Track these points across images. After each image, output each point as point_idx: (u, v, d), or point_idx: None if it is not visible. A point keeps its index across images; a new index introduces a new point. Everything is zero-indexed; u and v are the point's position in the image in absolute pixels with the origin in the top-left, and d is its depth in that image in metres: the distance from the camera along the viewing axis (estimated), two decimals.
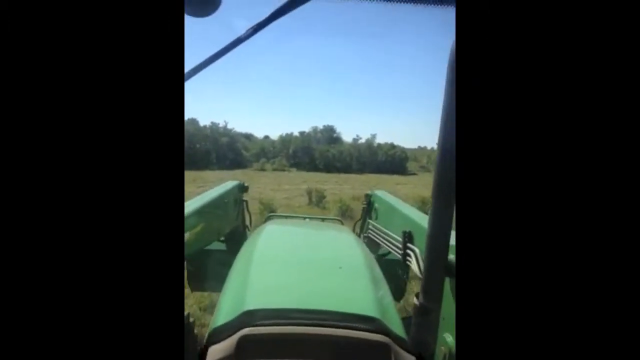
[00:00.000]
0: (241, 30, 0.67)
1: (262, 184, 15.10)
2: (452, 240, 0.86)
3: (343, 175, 21.62)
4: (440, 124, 0.79)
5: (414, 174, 25.55)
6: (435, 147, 0.77)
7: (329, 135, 29.23)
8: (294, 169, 24.02)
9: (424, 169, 27.48)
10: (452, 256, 0.91)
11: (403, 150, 27.08)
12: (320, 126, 29.85)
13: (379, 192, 2.56)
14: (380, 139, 28.10)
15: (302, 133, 28.16)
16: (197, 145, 22.46)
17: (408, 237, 1.55)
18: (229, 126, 26.48)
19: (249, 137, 31.17)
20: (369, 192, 2.68)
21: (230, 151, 23.72)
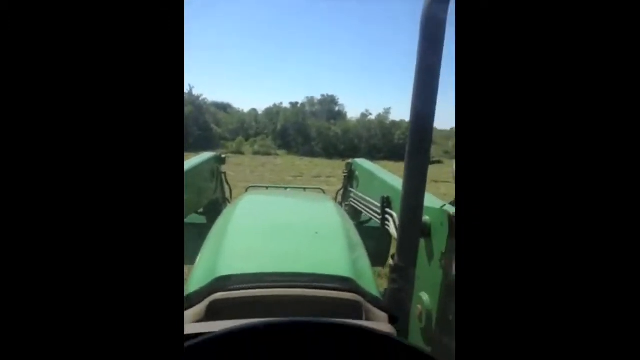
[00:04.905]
0: None
1: (230, 179, 9.71)
2: (427, 202, 0.96)
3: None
4: (414, 85, 0.82)
5: (439, 161, 20.38)
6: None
7: (329, 108, 23.46)
8: (282, 152, 18.56)
9: (449, 155, 22.36)
10: (426, 217, 1.08)
11: None
12: (318, 96, 24.01)
13: (359, 160, 2.63)
14: (396, 115, 22.48)
15: (293, 104, 22.42)
16: None
17: (386, 202, 1.56)
18: (196, 92, 20.56)
19: (225, 107, 25.17)
20: (349, 160, 2.79)
21: (195, 126, 17.98)
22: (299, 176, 11.20)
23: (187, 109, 18.28)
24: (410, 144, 0.85)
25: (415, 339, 1.15)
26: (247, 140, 18.90)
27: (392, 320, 0.91)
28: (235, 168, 11.22)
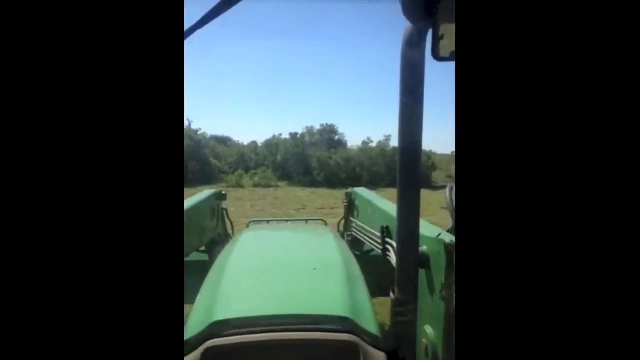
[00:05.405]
0: None
1: (231, 214, 9.27)
2: (425, 231, 1.04)
3: None
4: (400, 113, 0.81)
5: (444, 186, 20.00)
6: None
7: (329, 138, 23.29)
8: (283, 183, 18.21)
9: (453, 179, 21.98)
10: (424, 247, 1.11)
11: (427, 154, 21.44)
12: (317, 126, 23.90)
13: (358, 190, 2.73)
14: (397, 142, 22.32)
15: (293, 135, 22.31)
16: None
17: (386, 232, 1.56)
18: (194, 126, 20.47)
19: (224, 141, 25.12)
20: (349, 190, 2.85)
21: (194, 160, 17.74)
22: (301, 209, 10.76)
23: (186, 143, 18.10)
24: (399, 177, 0.83)
25: None
26: (247, 172, 18.60)
27: (391, 357, 0.91)
28: (235, 202, 10.81)
